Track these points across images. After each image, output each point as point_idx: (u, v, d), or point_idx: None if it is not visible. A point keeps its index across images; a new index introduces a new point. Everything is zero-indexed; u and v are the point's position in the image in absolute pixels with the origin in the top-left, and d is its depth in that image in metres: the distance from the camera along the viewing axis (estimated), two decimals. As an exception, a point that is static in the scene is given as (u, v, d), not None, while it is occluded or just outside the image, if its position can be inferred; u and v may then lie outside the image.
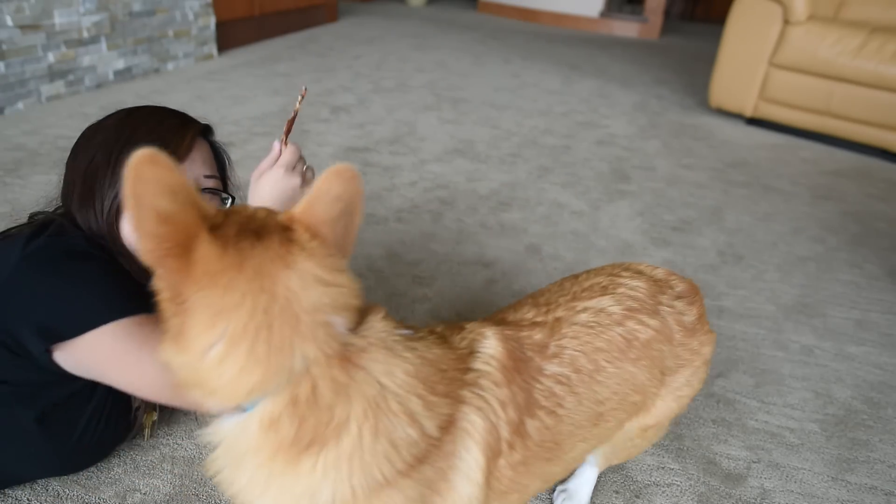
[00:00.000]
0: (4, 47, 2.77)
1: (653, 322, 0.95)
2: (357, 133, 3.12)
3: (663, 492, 1.24)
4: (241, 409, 0.63)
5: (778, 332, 1.82)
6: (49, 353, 0.90)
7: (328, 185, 0.64)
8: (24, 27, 2.84)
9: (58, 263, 0.90)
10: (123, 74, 3.52)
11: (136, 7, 3.49)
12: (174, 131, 1.04)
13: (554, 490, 1.23)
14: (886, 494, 1.29)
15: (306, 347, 0.60)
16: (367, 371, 0.65)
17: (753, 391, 1.56)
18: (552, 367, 0.87)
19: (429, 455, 0.71)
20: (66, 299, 0.89)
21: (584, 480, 1.20)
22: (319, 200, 0.64)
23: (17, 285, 0.89)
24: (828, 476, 1.32)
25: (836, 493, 1.28)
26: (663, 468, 1.30)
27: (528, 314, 0.94)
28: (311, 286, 0.60)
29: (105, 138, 1.01)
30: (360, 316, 0.67)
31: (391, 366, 0.67)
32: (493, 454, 0.79)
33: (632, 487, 1.25)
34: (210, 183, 1.10)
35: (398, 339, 0.70)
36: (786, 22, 3.46)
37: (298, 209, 0.64)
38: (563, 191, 2.67)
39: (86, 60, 3.24)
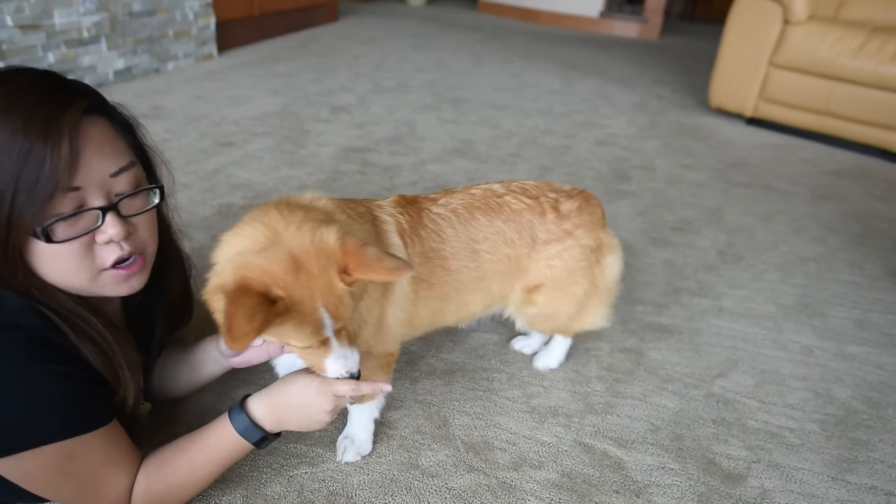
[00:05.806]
0: (4, 47, 2.77)
1: (528, 201, 1.30)
2: (357, 133, 3.12)
3: (663, 492, 1.24)
4: None
5: (778, 332, 1.82)
6: None
7: None
8: (24, 27, 2.84)
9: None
10: (123, 74, 3.53)
11: (136, 7, 3.49)
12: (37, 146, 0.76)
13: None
14: (886, 494, 1.29)
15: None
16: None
17: (753, 391, 1.56)
18: (437, 209, 1.24)
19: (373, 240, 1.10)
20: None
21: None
22: None
23: None
24: (828, 476, 1.32)
25: (836, 493, 1.28)
26: (663, 468, 1.30)
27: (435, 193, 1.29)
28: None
29: None
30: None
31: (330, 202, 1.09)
32: (403, 243, 1.16)
33: (632, 487, 1.25)
34: (123, 182, 0.86)
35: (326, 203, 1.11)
36: (786, 22, 3.46)
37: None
38: (563, 191, 2.67)
39: (86, 60, 3.24)
